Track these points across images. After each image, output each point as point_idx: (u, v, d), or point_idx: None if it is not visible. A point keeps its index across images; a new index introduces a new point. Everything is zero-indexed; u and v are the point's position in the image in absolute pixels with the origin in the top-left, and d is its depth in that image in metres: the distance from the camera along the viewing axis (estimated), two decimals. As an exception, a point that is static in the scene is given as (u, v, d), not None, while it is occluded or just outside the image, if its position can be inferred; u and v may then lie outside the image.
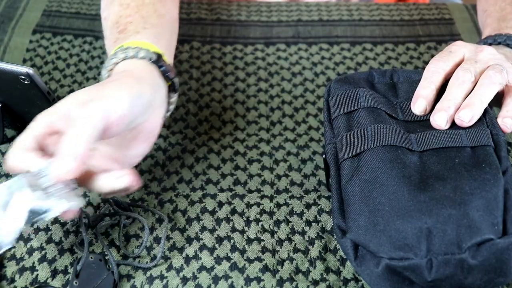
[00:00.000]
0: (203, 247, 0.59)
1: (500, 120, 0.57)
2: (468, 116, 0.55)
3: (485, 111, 0.57)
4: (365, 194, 0.52)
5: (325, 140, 0.60)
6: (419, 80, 0.60)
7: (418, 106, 0.58)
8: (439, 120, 0.56)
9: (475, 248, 0.48)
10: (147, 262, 0.58)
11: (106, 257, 0.57)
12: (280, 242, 0.60)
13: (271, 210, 0.63)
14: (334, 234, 0.60)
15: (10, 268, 0.57)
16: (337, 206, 0.54)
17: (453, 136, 0.55)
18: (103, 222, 0.60)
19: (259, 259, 0.58)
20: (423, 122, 0.58)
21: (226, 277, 0.57)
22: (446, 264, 0.47)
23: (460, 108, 0.56)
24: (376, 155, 0.54)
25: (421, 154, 0.54)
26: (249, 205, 0.63)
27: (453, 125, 0.56)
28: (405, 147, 0.54)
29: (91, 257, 0.56)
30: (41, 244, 0.59)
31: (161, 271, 0.57)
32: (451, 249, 0.48)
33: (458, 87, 0.57)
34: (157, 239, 0.60)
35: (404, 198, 0.50)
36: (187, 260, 0.58)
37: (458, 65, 0.59)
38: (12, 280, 0.56)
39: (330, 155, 0.57)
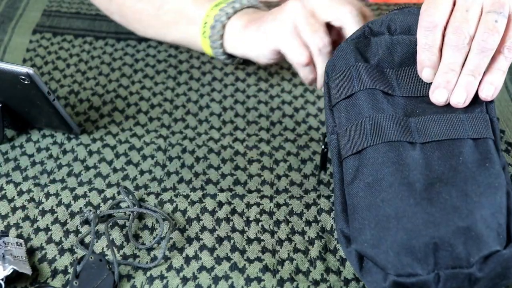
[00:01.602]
0: (203, 247, 0.59)
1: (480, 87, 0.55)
2: (463, 98, 0.55)
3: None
4: (369, 201, 0.51)
5: (326, 127, 0.58)
6: (416, 32, 0.56)
7: (426, 75, 0.56)
8: (440, 98, 0.55)
9: (481, 261, 0.47)
10: (147, 262, 0.58)
11: (106, 257, 0.57)
12: (280, 242, 0.60)
13: (271, 210, 0.63)
14: (334, 234, 0.60)
15: (10, 268, 0.57)
16: (341, 209, 0.53)
17: (455, 124, 0.53)
18: (113, 219, 0.60)
19: (259, 259, 0.58)
20: (421, 98, 0.56)
21: (227, 277, 0.57)
22: (454, 278, 0.47)
23: (453, 91, 0.55)
24: (377, 155, 0.52)
25: (422, 146, 0.52)
26: (249, 205, 0.63)
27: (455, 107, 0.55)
28: (406, 140, 0.53)
29: (91, 257, 0.56)
30: (41, 244, 0.59)
31: (161, 271, 0.57)
32: (459, 263, 0.47)
33: (453, 55, 0.54)
34: (156, 239, 0.60)
35: (410, 209, 0.49)
36: (187, 260, 0.58)
37: (451, 10, 0.55)
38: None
39: (332, 148, 0.56)
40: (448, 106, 0.55)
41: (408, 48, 0.58)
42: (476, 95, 0.55)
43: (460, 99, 0.55)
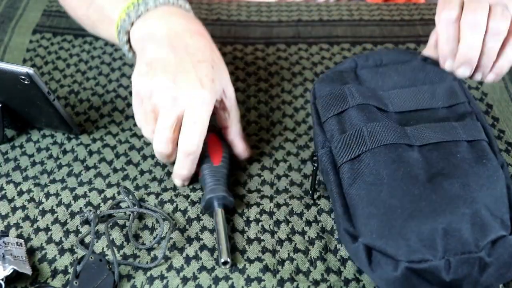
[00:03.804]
0: (203, 247, 0.59)
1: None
2: (479, 76, 0.62)
3: (473, 104, 0.59)
4: (372, 197, 0.51)
5: (315, 145, 0.59)
6: (406, 61, 0.62)
7: (448, 66, 0.62)
8: (465, 73, 0.61)
9: (489, 246, 0.48)
10: (147, 262, 0.58)
11: (106, 257, 0.57)
12: (280, 242, 0.60)
13: (271, 210, 0.63)
14: (334, 235, 0.60)
15: (10, 268, 0.57)
16: (342, 211, 0.53)
17: (449, 130, 0.55)
18: (113, 219, 0.60)
19: (259, 259, 0.58)
20: (414, 112, 0.58)
21: (227, 277, 0.57)
22: (464, 263, 0.48)
23: (476, 68, 0.61)
24: (377, 156, 0.54)
25: (420, 149, 0.54)
26: (249, 205, 0.63)
27: (447, 118, 0.57)
28: (404, 143, 0.54)
29: (91, 257, 0.56)
30: (41, 244, 0.59)
31: (161, 271, 0.57)
32: (468, 248, 0.48)
33: (472, 35, 0.59)
34: (156, 239, 0.60)
35: (415, 199, 0.50)
36: (188, 260, 0.58)
37: (463, 5, 0.61)
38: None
39: (326, 160, 0.57)
40: (440, 116, 0.58)
41: (398, 73, 0.61)
42: (466, 110, 0.58)
43: (477, 78, 0.62)
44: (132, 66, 0.81)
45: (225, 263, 0.56)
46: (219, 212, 0.59)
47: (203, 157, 0.63)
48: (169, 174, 0.66)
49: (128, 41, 0.67)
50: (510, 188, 0.52)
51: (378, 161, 0.53)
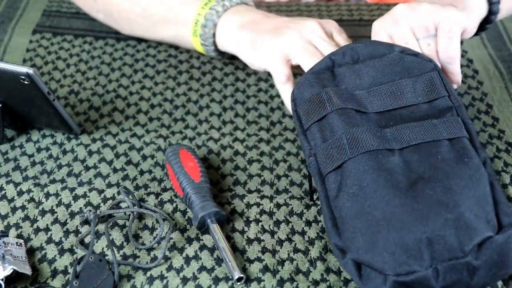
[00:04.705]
0: (203, 247, 0.59)
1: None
2: None
3: (453, 98, 0.58)
4: (356, 209, 0.51)
5: (304, 153, 0.59)
6: (383, 55, 0.60)
7: None
8: None
9: (476, 249, 0.48)
10: (147, 262, 0.58)
11: (106, 257, 0.57)
12: (280, 242, 0.60)
13: (271, 210, 0.63)
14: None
15: (10, 268, 0.57)
16: (331, 225, 0.53)
17: (429, 128, 0.55)
18: (113, 219, 0.60)
19: (259, 259, 0.58)
20: (393, 111, 0.58)
21: (227, 278, 0.57)
22: (452, 269, 0.47)
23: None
24: (358, 165, 0.53)
25: (401, 152, 0.54)
26: (249, 205, 0.63)
27: (428, 115, 0.57)
28: (384, 148, 0.54)
29: (91, 257, 0.56)
30: (41, 244, 0.59)
31: (161, 271, 0.57)
32: (454, 254, 0.48)
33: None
34: (156, 239, 0.60)
35: (397, 209, 0.50)
36: (187, 260, 0.58)
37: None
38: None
39: (313, 169, 0.57)
40: (421, 113, 0.57)
41: (375, 69, 0.60)
42: (446, 105, 0.58)
43: None
44: (131, 66, 0.81)
45: (239, 279, 0.55)
46: (216, 229, 0.59)
47: (182, 176, 0.62)
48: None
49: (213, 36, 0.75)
50: (494, 185, 0.51)
51: (359, 170, 0.53)
